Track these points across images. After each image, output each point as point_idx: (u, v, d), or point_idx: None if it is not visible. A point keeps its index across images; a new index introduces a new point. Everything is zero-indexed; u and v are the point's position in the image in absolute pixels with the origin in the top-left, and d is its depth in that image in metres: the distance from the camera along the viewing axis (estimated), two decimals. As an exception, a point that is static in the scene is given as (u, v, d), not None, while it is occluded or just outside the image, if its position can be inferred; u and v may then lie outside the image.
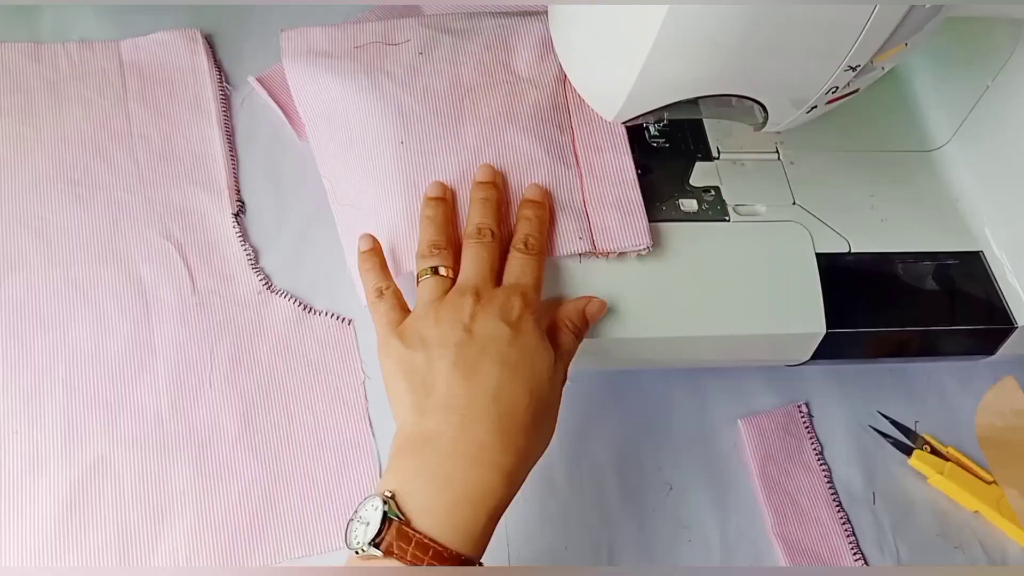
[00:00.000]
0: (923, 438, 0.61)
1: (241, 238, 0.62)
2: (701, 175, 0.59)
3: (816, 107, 0.51)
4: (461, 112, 0.57)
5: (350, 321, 0.60)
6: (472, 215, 0.52)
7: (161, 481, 0.53)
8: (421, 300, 0.50)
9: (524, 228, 0.52)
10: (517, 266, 0.51)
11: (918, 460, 0.60)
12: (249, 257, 0.61)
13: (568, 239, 0.53)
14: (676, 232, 0.56)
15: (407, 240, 0.53)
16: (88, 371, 0.56)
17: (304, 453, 0.56)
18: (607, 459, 0.58)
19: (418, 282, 0.51)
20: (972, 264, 0.59)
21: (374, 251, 0.53)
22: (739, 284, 0.55)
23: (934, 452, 0.61)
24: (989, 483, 0.60)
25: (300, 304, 0.60)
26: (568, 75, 0.52)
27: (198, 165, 0.64)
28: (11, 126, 0.63)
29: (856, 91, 0.51)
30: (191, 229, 0.62)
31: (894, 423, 0.62)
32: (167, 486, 0.53)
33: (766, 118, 0.52)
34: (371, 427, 0.57)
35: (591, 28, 0.49)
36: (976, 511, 0.60)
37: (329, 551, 0.53)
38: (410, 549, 0.41)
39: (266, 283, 0.61)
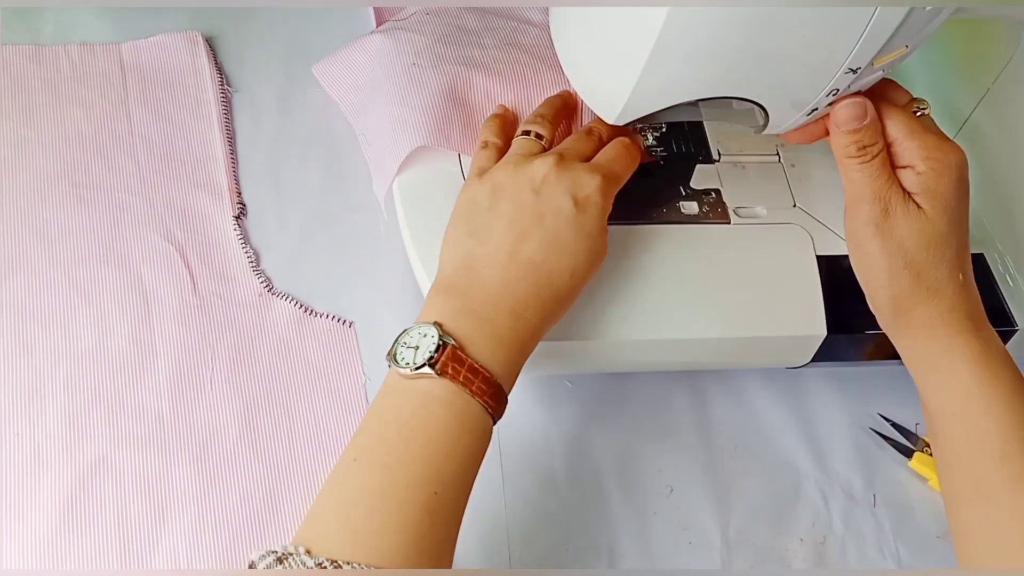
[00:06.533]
0: (924, 440, 0.61)
1: (242, 240, 0.62)
2: (702, 177, 0.59)
3: (816, 109, 0.51)
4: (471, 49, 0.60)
5: (351, 323, 0.60)
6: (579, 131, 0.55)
7: (162, 481, 0.53)
8: (509, 153, 0.52)
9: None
10: (613, 150, 0.53)
11: (919, 462, 0.60)
12: (250, 259, 0.61)
13: None
14: (677, 235, 0.56)
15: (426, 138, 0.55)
16: (89, 371, 0.56)
17: (305, 455, 0.56)
18: (608, 461, 0.58)
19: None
20: (974, 266, 0.59)
21: (502, 116, 0.56)
22: (740, 287, 0.55)
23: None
24: (990, 485, 0.60)
25: (301, 306, 0.60)
26: (568, 77, 0.52)
27: (199, 167, 0.64)
28: (13, 128, 0.63)
29: (857, 94, 0.51)
30: (192, 231, 0.62)
31: (895, 425, 0.62)
32: (168, 486, 0.53)
33: (767, 120, 0.52)
34: (372, 429, 0.57)
35: (592, 31, 0.49)
36: (977, 513, 0.60)
37: (329, 553, 0.53)
38: (463, 371, 0.44)
39: (267, 285, 0.61)
